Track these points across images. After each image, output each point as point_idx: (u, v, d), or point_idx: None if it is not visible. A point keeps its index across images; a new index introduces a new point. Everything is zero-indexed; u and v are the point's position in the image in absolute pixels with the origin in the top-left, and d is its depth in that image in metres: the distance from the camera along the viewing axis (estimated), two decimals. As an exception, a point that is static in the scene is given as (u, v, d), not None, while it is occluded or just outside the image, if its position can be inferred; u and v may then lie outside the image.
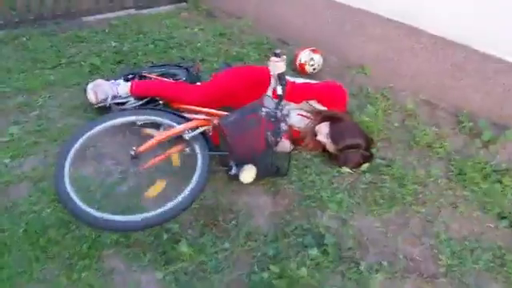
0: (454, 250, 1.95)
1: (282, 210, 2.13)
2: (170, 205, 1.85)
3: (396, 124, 2.79)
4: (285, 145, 2.28)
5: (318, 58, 3.32)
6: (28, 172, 2.22)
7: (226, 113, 2.40)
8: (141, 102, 2.56)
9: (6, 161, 2.28)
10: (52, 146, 2.41)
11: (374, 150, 2.47)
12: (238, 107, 2.46)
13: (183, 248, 1.86)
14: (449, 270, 1.86)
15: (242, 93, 2.57)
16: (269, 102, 2.20)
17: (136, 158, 2.02)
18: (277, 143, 2.18)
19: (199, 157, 2.06)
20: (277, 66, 2.20)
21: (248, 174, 2.02)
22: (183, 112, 2.59)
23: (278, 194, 2.21)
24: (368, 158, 2.39)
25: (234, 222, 2.03)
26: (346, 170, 2.36)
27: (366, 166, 2.37)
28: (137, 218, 1.81)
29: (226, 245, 1.92)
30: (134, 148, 2.01)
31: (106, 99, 2.54)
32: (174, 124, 2.18)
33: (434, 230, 2.05)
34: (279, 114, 2.22)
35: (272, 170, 2.15)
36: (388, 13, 3.11)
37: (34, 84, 2.97)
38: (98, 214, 1.80)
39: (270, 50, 3.79)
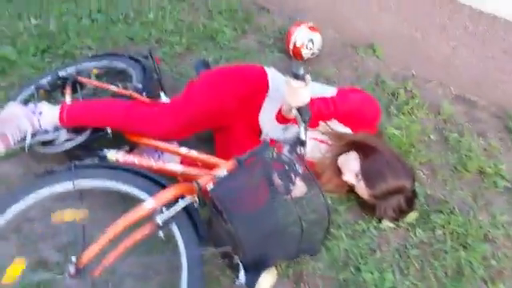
0: None
1: (310, 311, 1.45)
2: None
3: (432, 136, 2.11)
4: (300, 189, 1.54)
5: (317, 39, 2.49)
6: None
7: (212, 159, 1.61)
8: (78, 140, 1.68)
9: None
10: None
11: (416, 185, 1.79)
12: (224, 129, 1.84)
13: None
14: None
15: (231, 110, 1.77)
16: (286, 152, 1.43)
17: (79, 273, 1.21)
18: (289, 191, 1.44)
19: (183, 254, 1.29)
20: (298, 94, 1.40)
21: (265, 282, 1.28)
22: (142, 148, 1.78)
23: (300, 280, 1.51)
24: (412, 201, 1.71)
25: None
26: (386, 223, 1.69)
27: (413, 216, 1.70)
28: None
29: None
30: (74, 259, 1.20)
31: (23, 139, 1.64)
32: (138, 193, 1.37)
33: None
34: (296, 158, 1.46)
35: (302, 247, 1.43)
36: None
37: None
38: None
39: (246, 20, 2.90)
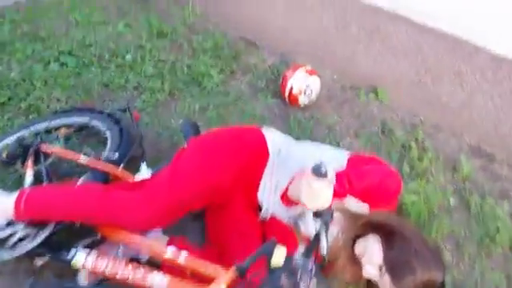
0: None
1: None
2: None
3: (452, 200, 1.87)
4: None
5: (316, 84, 2.24)
6: None
7: (207, 267, 1.31)
8: (39, 238, 1.36)
9: None
10: None
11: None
12: (218, 207, 1.57)
13: None
14: None
15: (229, 184, 1.49)
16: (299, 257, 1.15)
17: None
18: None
19: None
20: (320, 196, 1.12)
21: None
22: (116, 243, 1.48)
23: None
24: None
25: None
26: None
27: (442, 311, 1.44)
28: None
29: None
30: None
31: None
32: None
33: None
34: (309, 265, 1.18)
35: None
36: (422, 16, 2.06)
37: None
38: None
39: (234, 59, 2.63)
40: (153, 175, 1.58)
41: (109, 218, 1.36)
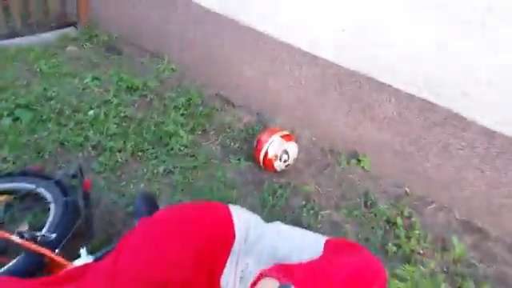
0: None
1: None
2: None
3: (444, 286, 1.64)
4: None
5: (293, 150, 2.06)
6: None
7: None
8: None
9: None
10: None
11: None
12: None
13: None
14: None
15: (186, 277, 1.23)
16: None
17: None
18: None
19: None
20: None
21: None
22: None
23: None
24: None
25: None
26: None
27: None
28: None
29: None
30: None
31: None
32: None
33: None
34: None
35: None
36: (409, 86, 1.92)
37: None
38: None
39: (207, 117, 2.46)
40: (94, 263, 1.33)
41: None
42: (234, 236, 1.33)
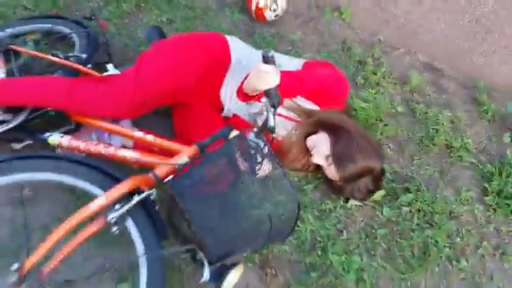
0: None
1: (277, 299, 1.38)
2: None
3: (399, 108, 2.03)
4: (266, 168, 1.42)
5: (282, 0, 2.30)
6: None
7: (171, 144, 1.44)
8: (16, 121, 1.45)
9: None
10: None
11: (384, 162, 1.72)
12: (183, 106, 1.69)
13: None
14: None
15: (189, 88, 1.60)
16: (252, 137, 1.28)
17: (23, 282, 1.06)
18: (254, 171, 1.32)
19: (142, 254, 1.16)
20: (267, 77, 1.23)
21: (233, 278, 1.18)
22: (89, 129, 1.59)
23: (266, 265, 1.43)
24: (380, 181, 1.63)
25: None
26: (353, 202, 1.62)
27: (379, 194, 1.64)
28: None
29: None
30: (16, 267, 1.05)
31: None
32: (86, 187, 1.21)
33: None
34: (261, 144, 1.32)
35: (271, 234, 1.32)
36: None
37: None
38: None
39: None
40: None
41: (79, 107, 1.46)
42: (230, 58, 1.65)
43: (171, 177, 1.16)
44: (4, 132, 1.44)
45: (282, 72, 1.46)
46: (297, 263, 1.46)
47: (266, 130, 1.33)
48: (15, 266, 1.06)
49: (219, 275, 1.17)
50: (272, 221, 1.19)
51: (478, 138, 1.98)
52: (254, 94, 1.41)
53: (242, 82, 1.51)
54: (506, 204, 1.70)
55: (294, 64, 1.66)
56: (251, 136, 1.32)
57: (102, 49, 1.81)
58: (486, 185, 1.76)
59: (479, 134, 2.00)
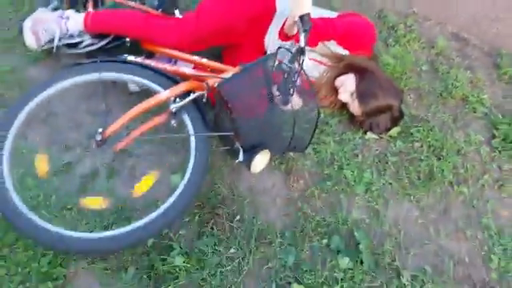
0: (505, 246, 1.63)
1: (297, 196, 1.68)
2: (154, 214, 1.36)
3: (424, 67, 2.27)
4: (296, 102, 1.73)
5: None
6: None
7: (221, 65, 1.79)
8: (100, 44, 1.86)
9: None
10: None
11: (403, 107, 1.98)
12: (231, 47, 2.02)
13: (176, 260, 1.42)
14: (502, 276, 1.56)
15: (240, 29, 1.93)
16: (283, 55, 1.60)
17: (103, 143, 1.45)
18: (286, 102, 1.63)
19: (192, 139, 1.51)
20: (301, 2, 1.55)
21: (260, 162, 1.50)
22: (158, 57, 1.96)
23: (290, 173, 1.74)
24: (398, 119, 1.90)
25: (238, 217, 1.58)
26: (371, 135, 1.89)
27: (395, 130, 1.90)
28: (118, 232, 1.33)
29: (232, 251, 1.50)
30: (100, 131, 1.43)
31: (51, 41, 1.82)
32: (154, 86, 1.58)
33: (481, 219, 1.70)
34: (296, 67, 1.63)
35: (291, 146, 1.63)
36: None
37: None
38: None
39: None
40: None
41: (152, 36, 1.84)
42: (275, 8, 1.97)
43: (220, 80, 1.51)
44: (91, 51, 1.86)
45: (317, 18, 1.78)
46: (316, 174, 1.75)
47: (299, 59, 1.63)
48: (100, 130, 1.43)
49: (250, 160, 1.49)
50: (294, 135, 1.51)
51: (494, 96, 2.17)
52: (293, 31, 1.73)
53: (284, 24, 1.83)
54: (510, 149, 1.90)
55: (330, 14, 1.96)
56: (286, 60, 1.64)
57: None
58: (494, 131, 1.97)
59: (496, 94, 2.19)
